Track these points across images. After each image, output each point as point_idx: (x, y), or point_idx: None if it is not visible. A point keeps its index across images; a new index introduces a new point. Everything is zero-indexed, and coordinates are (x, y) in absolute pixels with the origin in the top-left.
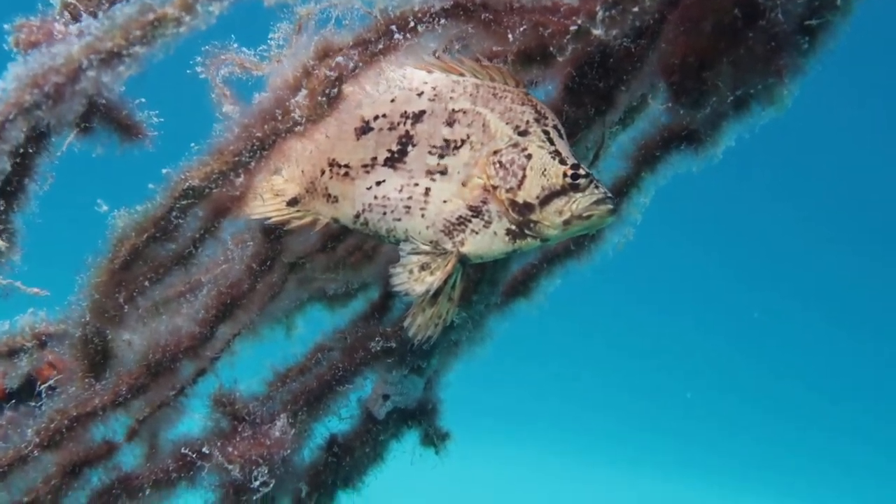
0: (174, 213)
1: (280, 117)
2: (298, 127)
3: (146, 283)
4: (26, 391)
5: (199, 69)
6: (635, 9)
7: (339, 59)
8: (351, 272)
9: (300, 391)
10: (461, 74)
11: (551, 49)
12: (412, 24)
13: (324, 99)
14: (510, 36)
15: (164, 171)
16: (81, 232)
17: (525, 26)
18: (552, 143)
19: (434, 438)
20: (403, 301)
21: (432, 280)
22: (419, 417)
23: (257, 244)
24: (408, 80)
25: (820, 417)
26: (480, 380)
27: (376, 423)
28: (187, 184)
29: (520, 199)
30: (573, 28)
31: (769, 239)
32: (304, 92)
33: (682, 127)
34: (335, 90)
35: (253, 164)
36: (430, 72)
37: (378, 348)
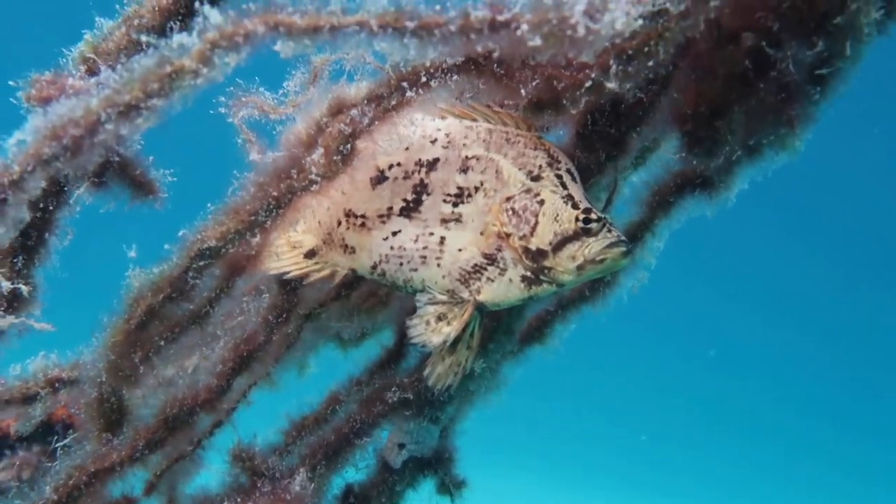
0: (190, 274)
1: (295, 175)
2: (314, 185)
3: (161, 343)
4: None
5: (223, 110)
6: (650, 63)
7: (353, 112)
8: (366, 317)
9: (318, 445)
10: (474, 120)
11: (564, 102)
12: (424, 79)
13: (338, 157)
14: (523, 91)
15: (180, 232)
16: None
17: (538, 80)
18: (565, 187)
19: (450, 487)
20: (419, 348)
21: (449, 330)
22: (435, 466)
23: (273, 296)
24: (421, 128)
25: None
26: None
27: (392, 473)
28: (203, 244)
29: (533, 246)
30: (587, 83)
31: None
32: (319, 150)
33: (696, 173)
34: (349, 146)
35: (269, 222)
36: (443, 117)
37: (395, 399)
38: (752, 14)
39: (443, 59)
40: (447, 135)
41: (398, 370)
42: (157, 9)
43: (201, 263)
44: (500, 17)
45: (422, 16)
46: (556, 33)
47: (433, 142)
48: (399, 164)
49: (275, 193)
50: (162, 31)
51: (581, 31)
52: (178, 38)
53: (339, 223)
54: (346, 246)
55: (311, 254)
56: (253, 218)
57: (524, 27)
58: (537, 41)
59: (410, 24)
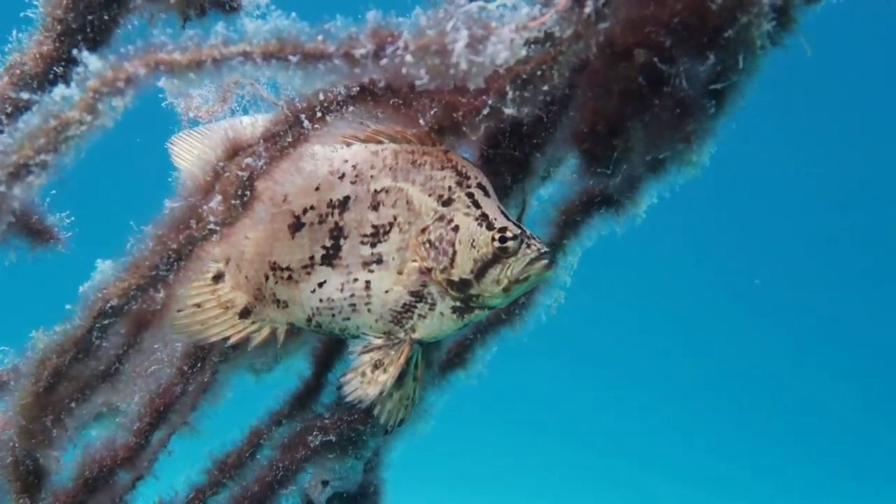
0: (94, 333)
1: (194, 225)
2: (215, 235)
3: (73, 405)
4: None
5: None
6: (545, 87)
7: (248, 160)
8: (281, 350)
9: (242, 497)
10: (379, 142)
11: (464, 129)
12: (319, 114)
13: (237, 202)
14: (421, 120)
15: (80, 289)
16: None
17: (436, 108)
18: (477, 205)
19: None
20: (356, 404)
21: (385, 378)
22: (361, 501)
23: (186, 344)
24: (327, 162)
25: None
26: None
27: None
28: (105, 303)
29: (455, 277)
30: (484, 110)
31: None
32: (218, 198)
33: (598, 192)
34: (248, 191)
35: (171, 276)
36: (348, 144)
37: (317, 443)
38: (643, 29)
39: (333, 88)
40: (354, 166)
41: (318, 404)
42: (38, 56)
43: (105, 322)
44: (384, 51)
45: (305, 47)
46: (438, 67)
47: (341, 177)
48: (312, 208)
49: (174, 246)
50: (45, 79)
51: (463, 65)
52: (59, 91)
53: (267, 277)
54: (279, 301)
55: (245, 312)
56: (154, 273)
57: (408, 59)
58: (423, 77)
59: (293, 58)
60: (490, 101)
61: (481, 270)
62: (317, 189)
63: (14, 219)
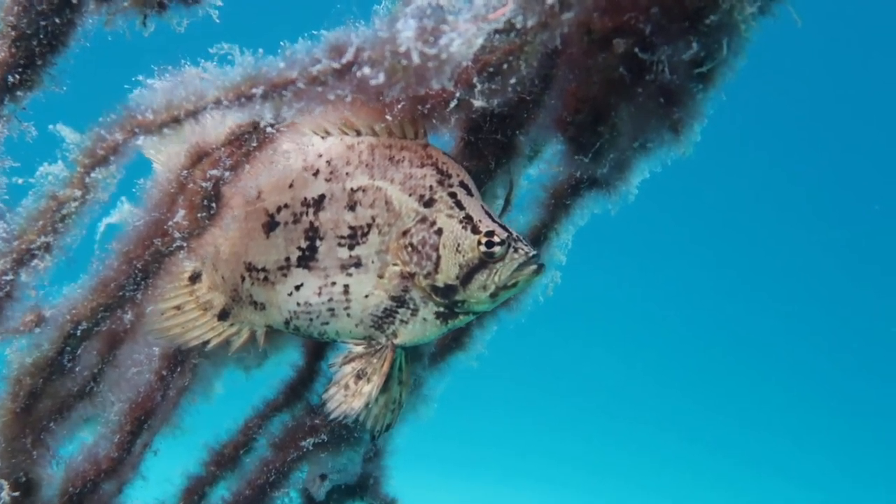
0: (66, 354)
1: (160, 240)
2: (182, 250)
3: (52, 424)
4: None
5: None
6: (513, 78)
7: (213, 171)
8: (267, 344)
9: (237, 499)
10: (357, 131)
11: (434, 121)
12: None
13: (204, 213)
14: (388, 116)
15: (47, 312)
16: None
17: (403, 102)
18: (461, 206)
19: None
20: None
21: (370, 388)
22: (361, 492)
23: (165, 348)
24: (301, 156)
25: None
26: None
27: None
28: (74, 324)
29: (440, 283)
30: (452, 102)
31: None
32: (181, 213)
33: (588, 176)
34: (214, 202)
35: (139, 294)
36: (323, 137)
37: (310, 446)
38: (621, 16)
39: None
40: (328, 162)
41: (311, 392)
42: None
43: (76, 342)
44: (340, 63)
45: (270, 78)
46: (396, 67)
47: (315, 174)
48: (287, 206)
49: (139, 265)
50: (3, 86)
51: (415, 57)
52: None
53: (244, 278)
54: (256, 303)
55: (224, 314)
56: (121, 293)
57: (365, 69)
58: (380, 79)
59: (258, 90)
60: (458, 93)
61: (467, 276)
62: (290, 186)
63: None
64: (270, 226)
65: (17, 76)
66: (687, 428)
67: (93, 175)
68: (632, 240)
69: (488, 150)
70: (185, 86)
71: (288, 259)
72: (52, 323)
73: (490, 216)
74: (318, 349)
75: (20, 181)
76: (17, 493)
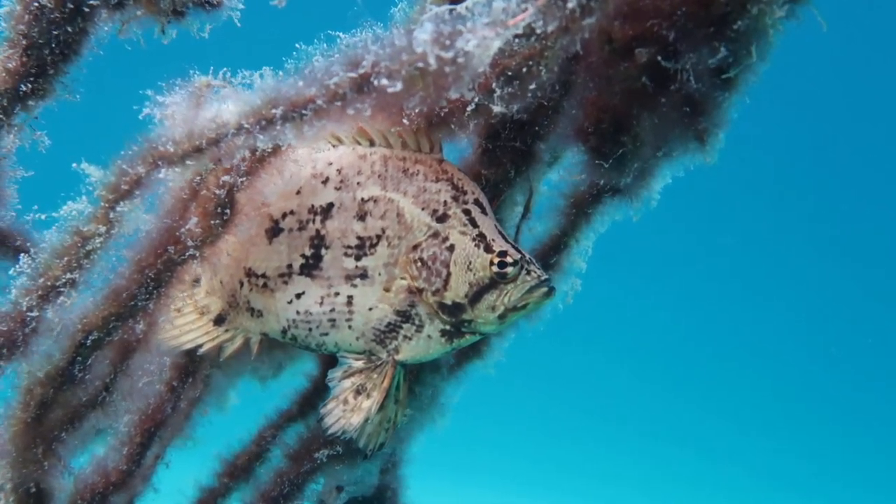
0: (77, 366)
1: (173, 247)
2: (195, 258)
3: (63, 435)
4: None
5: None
6: (533, 83)
7: (226, 177)
8: (280, 352)
9: None
10: (371, 141)
11: (452, 126)
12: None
13: (217, 220)
14: (405, 120)
15: (57, 321)
16: None
17: (420, 107)
18: (475, 224)
19: None
20: (339, 436)
21: (370, 404)
22: (379, 503)
23: (176, 358)
24: (310, 163)
25: None
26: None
27: None
28: (85, 333)
29: (448, 301)
30: (470, 107)
31: None
32: (194, 220)
33: (606, 185)
34: (227, 209)
35: (152, 303)
36: (334, 145)
37: (324, 459)
38: (643, 23)
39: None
40: (339, 171)
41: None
42: (5, 73)
43: (87, 352)
44: (357, 73)
45: (290, 98)
46: (413, 73)
47: (325, 182)
48: (292, 213)
49: (152, 274)
50: (15, 95)
51: (432, 61)
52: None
53: (242, 284)
54: (253, 309)
55: (220, 319)
56: (133, 303)
57: (383, 78)
58: (398, 87)
59: (277, 112)
60: (476, 98)
61: (476, 295)
62: (298, 193)
63: None
64: (274, 232)
65: (30, 85)
66: (700, 439)
67: (117, 209)
68: (641, 249)
69: (507, 157)
70: (202, 109)
71: (290, 266)
72: (64, 332)
73: (503, 236)
74: (333, 360)
75: (44, 217)
76: None
